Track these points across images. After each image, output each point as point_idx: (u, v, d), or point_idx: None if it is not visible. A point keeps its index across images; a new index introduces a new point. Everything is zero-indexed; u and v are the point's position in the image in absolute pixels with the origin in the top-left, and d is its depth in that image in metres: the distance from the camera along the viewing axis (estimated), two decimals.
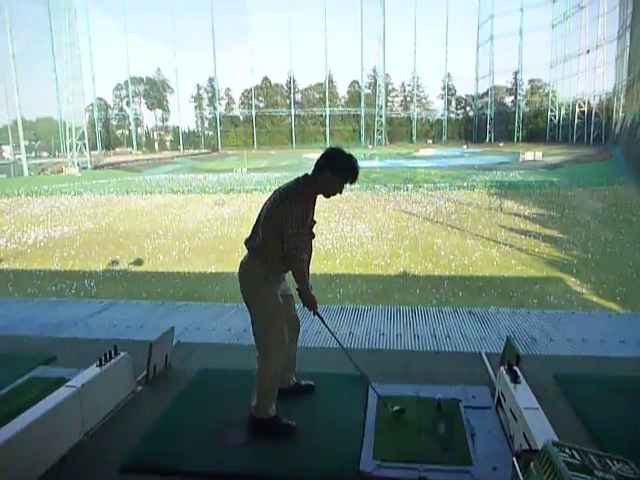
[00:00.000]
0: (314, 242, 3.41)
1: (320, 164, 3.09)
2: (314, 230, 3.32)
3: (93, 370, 3.37)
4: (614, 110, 49.65)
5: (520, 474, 1.97)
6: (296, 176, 3.16)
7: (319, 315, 3.26)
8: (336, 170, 3.05)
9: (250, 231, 3.21)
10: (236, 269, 3.20)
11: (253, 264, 3.12)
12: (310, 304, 3.19)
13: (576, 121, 62.87)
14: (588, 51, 58.98)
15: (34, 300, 7.58)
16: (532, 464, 1.81)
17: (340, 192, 3.15)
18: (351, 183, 3.13)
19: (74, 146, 48.54)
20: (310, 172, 3.12)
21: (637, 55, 35.27)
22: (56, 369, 4.09)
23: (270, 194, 3.17)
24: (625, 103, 42.75)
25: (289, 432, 3.13)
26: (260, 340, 3.14)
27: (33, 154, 67.88)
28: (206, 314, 6.04)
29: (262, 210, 3.14)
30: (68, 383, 3.19)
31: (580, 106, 62.52)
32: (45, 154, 69.02)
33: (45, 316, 6.01)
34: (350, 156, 3.10)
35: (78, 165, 46.65)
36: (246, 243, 3.20)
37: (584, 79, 61.43)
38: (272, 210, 3.05)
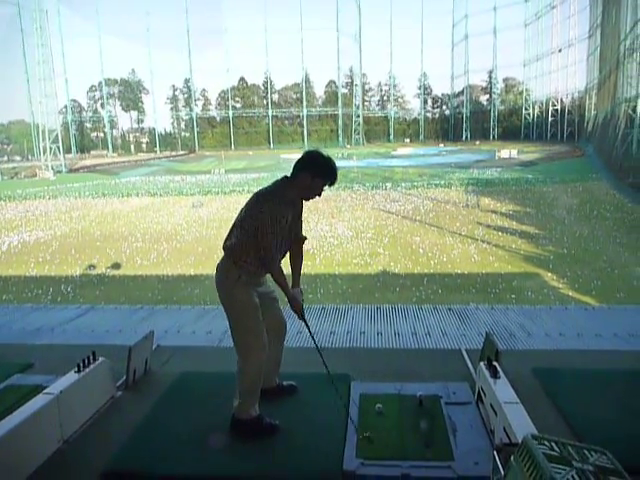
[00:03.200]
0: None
1: (298, 166, 3.09)
2: (305, 234, 3.35)
3: (71, 376, 3.32)
4: (586, 108, 50.44)
5: (501, 468, 1.99)
6: (275, 178, 3.17)
7: (304, 320, 3.25)
8: (315, 172, 3.05)
9: (227, 233, 3.20)
10: (215, 270, 3.19)
11: (226, 265, 3.12)
12: (295, 308, 3.19)
13: (550, 119, 63.85)
14: (560, 50, 59.91)
15: (9, 307, 7.44)
16: (512, 457, 1.83)
17: (319, 195, 3.16)
18: (330, 185, 3.14)
19: (48, 149, 47.84)
20: (289, 175, 3.13)
21: (608, 54, 35.91)
22: (33, 376, 4.01)
23: (249, 195, 3.16)
24: (597, 101, 43.46)
25: (272, 432, 3.12)
26: (239, 342, 3.12)
27: (5, 158, 66.72)
28: (186, 317, 5.99)
29: (240, 212, 3.14)
30: (46, 390, 3.14)
31: (553, 104, 63.50)
32: (18, 158, 67.84)
33: (21, 322, 5.91)
34: (328, 158, 3.10)
35: (52, 169, 45.95)
36: (224, 246, 3.20)
37: (557, 78, 62.43)
38: (248, 211, 3.05)
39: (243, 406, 3.11)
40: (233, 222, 3.17)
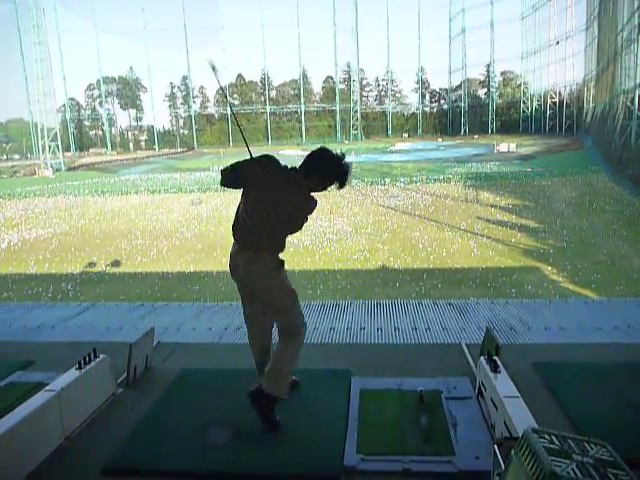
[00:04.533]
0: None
1: (303, 162, 3.06)
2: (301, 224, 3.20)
3: (72, 374, 3.31)
4: (585, 100, 50.33)
5: (501, 462, 2.00)
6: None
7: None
8: (310, 169, 3.00)
9: None
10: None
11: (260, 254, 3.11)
12: None
13: (548, 112, 63.76)
14: (558, 42, 59.75)
15: (10, 305, 7.45)
16: (513, 451, 1.83)
17: (316, 191, 3.09)
18: (332, 183, 3.05)
19: (47, 147, 47.74)
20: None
21: (605, 45, 35.83)
22: (34, 374, 4.01)
23: None
24: (595, 93, 43.38)
25: (274, 428, 3.10)
26: (294, 322, 3.11)
27: (4, 156, 66.63)
28: (186, 314, 5.99)
29: None
30: (47, 387, 3.14)
31: (552, 97, 63.39)
32: (17, 156, 67.76)
33: (22, 320, 5.91)
34: (332, 158, 3.00)
35: (51, 167, 45.87)
36: None
37: (555, 70, 62.28)
38: None
39: (283, 385, 3.08)
40: None
